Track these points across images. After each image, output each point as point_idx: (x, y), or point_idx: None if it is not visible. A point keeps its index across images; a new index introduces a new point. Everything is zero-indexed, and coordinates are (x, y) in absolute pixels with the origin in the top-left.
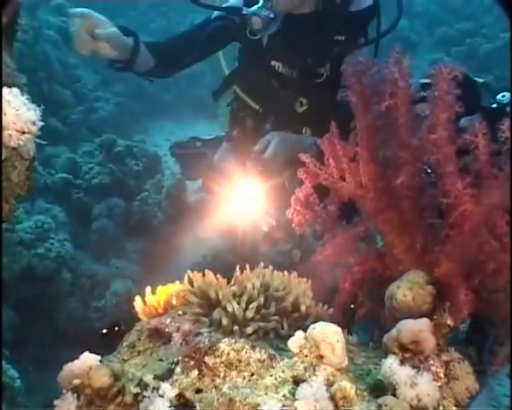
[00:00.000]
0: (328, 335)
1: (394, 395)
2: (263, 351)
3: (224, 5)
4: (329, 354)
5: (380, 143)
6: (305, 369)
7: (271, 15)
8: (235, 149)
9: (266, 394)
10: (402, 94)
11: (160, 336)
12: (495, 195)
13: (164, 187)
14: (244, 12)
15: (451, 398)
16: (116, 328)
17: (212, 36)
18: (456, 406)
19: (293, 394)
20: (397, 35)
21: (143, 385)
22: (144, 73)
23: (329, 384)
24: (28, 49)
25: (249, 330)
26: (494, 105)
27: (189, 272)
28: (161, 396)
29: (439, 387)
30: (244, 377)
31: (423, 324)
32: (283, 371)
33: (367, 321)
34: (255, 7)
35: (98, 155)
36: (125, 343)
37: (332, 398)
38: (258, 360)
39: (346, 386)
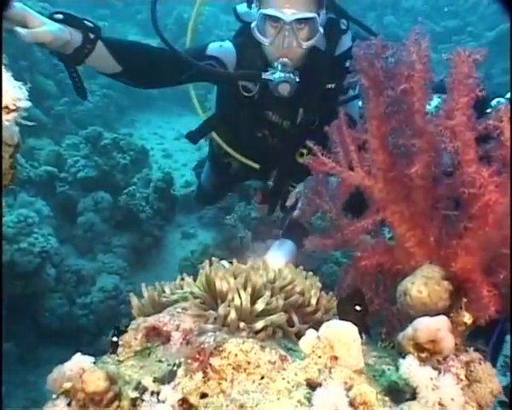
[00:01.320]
0: (343, 334)
1: (414, 398)
2: (273, 352)
3: (216, 54)
4: (345, 355)
5: (390, 130)
6: (320, 371)
7: (297, 79)
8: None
9: (279, 399)
10: (419, 77)
11: (157, 335)
12: None
13: (152, 181)
14: (267, 77)
15: (474, 402)
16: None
17: (199, 74)
18: None
19: (308, 399)
20: (384, 31)
21: (142, 389)
22: (109, 75)
23: (347, 388)
24: (8, 36)
25: (259, 325)
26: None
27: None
28: (162, 401)
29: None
30: (254, 381)
31: (441, 322)
32: (296, 374)
33: (372, 319)
34: (278, 73)
35: (84, 148)
36: (120, 343)
37: (351, 403)
38: (269, 361)
39: (367, 390)
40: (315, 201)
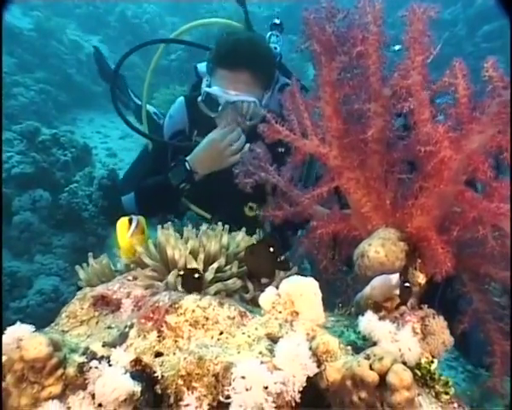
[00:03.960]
0: (304, 288)
1: None
2: (232, 308)
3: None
4: (306, 309)
5: (344, 96)
6: (281, 326)
7: None
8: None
9: (239, 352)
10: (374, 40)
11: (106, 304)
12: (477, 139)
13: (95, 178)
14: None
15: (428, 353)
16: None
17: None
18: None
19: (270, 350)
20: None
21: (90, 354)
22: None
23: (310, 339)
24: None
25: (211, 290)
26: None
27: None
28: (113, 365)
29: None
30: (212, 337)
31: (397, 277)
32: (256, 329)
33: (326, 286)
34: None
35: (19, 144)
36: (63, 314)
37: (314, 353)
38: (228, 317)
39: (330, 339)
40: (258, 174)
